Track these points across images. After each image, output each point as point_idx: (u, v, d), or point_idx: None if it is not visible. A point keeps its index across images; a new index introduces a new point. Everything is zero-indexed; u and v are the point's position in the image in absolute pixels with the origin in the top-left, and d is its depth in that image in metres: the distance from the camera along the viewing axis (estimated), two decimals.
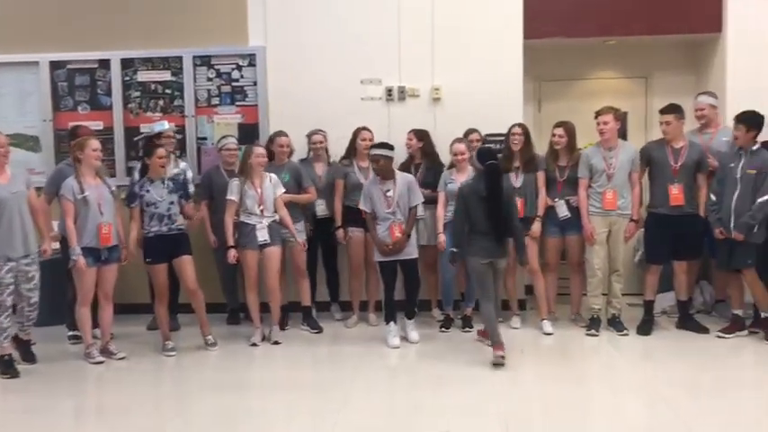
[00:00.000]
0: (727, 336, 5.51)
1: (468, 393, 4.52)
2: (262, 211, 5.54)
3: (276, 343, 5.64)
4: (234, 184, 5.60)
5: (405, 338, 5.60)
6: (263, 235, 5.53)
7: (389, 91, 6.47)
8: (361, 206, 5.61)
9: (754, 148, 5.36)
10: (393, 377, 5.09)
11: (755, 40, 6.18)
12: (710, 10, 6.34)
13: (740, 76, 6.20)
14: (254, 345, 5.62)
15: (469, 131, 6.09)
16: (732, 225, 5.34)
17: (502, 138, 6.04)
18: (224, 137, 6.24)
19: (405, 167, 6.01)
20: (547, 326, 5.82)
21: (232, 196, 5.56)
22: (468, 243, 5.16)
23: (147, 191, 5.38)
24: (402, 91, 6.47)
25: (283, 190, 5.67)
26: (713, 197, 5.50)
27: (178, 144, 6.45)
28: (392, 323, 5.57)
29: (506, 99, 6.31)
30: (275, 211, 5.61)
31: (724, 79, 6.30)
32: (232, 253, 5.53)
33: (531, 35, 6.36)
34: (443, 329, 5.94)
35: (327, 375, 5.06)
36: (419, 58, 6.42)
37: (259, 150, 5.61)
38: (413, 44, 6.41)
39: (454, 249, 5.23)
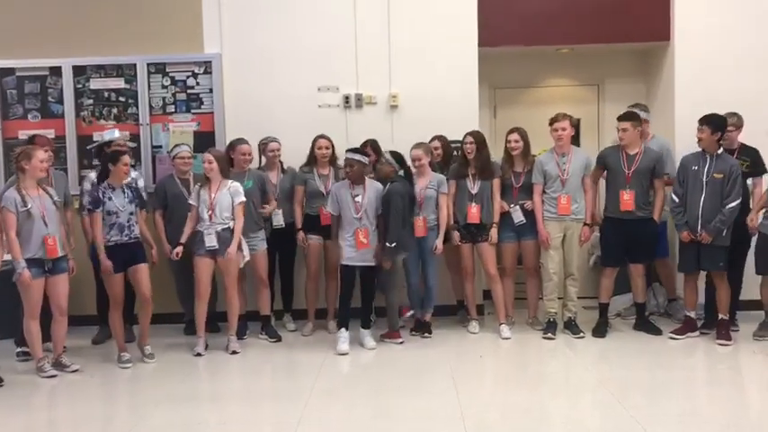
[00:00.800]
0: (679, 337, 5.64)
1: (428, 399, 4.54)
2: (210, 216, 5.50)
3: (234, 353, 5.59)
4: (194, 189, 5.65)
5: (361, 345, 5.62)
6: (210, 241, 5.48)
7: (347, 98, 6.48)
8: (328, 208, 5.68)
9: (719, 151, 5.49)
10: (353, 385, 5.08)
11: (702, 48, 6.36)
12: (659, 19, 6.51)
13: (687, 83, 6.38)
14: (199, 354, 5.55)
15: (433, 138, 6.14)
16: (699, 228, 5.46)
17: (459, 144, 6.10)
18: (177, 145, 6.16)
19: None
20: (505, 330, 5.89)
21: (190, 201, 5.61)
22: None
23: (110, 198, 5.29)
24: (359, 98, 6.49)
25: (243, 199, 5.60)
26: (675, 199, 5.59)
27: (132, 152, 6.35)
28: (343, 329, 5.60)
29: (463, 106, 6.38)
30: (229, 219, 5.55)
31: (672, 86, 6.47)
32: (177, 250, 5.54)
33: (485, 43, 6.44)
34: (414, 333, 5.97)
35: (287, 385, 5.03)
36: (376, 66, 6.45)
37: (205, 156, 5.57)
38: (370, 52, 6.43)
39: (392, 245, 5.54)
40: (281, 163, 6.20)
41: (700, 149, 5.53)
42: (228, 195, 5.55)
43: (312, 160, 6.08)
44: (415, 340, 5.88)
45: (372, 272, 5.69)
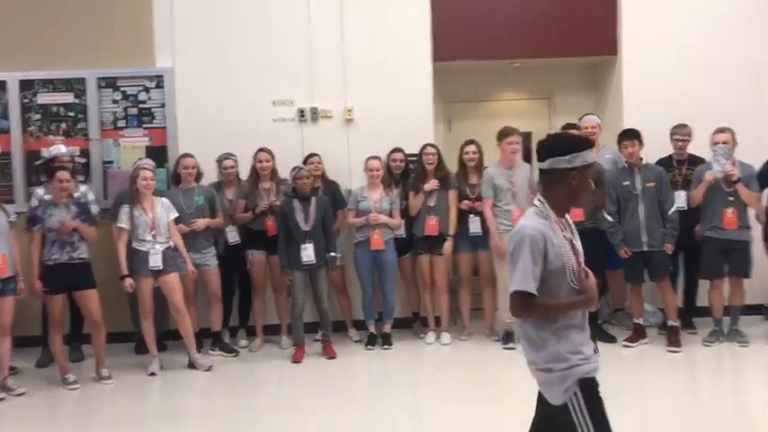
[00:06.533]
0: (632, 345, 5.74)
1: (385, 410, 4.53)
2: (154, 236, 5.38)
3: (209, 369, 5.51)
4: (123, 211, 5.41)
5: None
6: (155, 261, 5.35)
7: (302, 112, 6.46)
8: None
9: (644, 162, 5.67)
10: (312, 400, 5.02)
11: (648, 60, 6.51)
12: (607, 34, 6.65)
13: (635, 95, 6.52)
14: (153, 374, 5.44)
15: (395, 150, 6.18)
16: (645, 239, 5.59)
17: (415, 157, 6.15)
18: (139, 159, 6.06)
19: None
20: (430, 337, 6.07)
21: (122, 224, 5.39)
22: (288, 255, 5.63)
23: (50, 215, 5.15)
24: (315, 112, 6.47)
25: (176, 214, 5.54)
26: (610, 218, 5.71)
27: (83, 168, 6.24)
28: None
29: (418, 119, 6.43)
30: (169, 237, 5.46)
31: (620, 99, 6.62)
32: (127, 282, 5.36)
33: (439, 57, 6.51)
34: (369, 347, 5.96)
35: (245, 400, 4.96)
36: (331, 80, 6.45)
37: (145, 173, 5.43)
38: (324, 65, 6.44)
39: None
40: (239, 179, 6.15)
41: (625, 165, 5.71)
42: (164, 212, 5.46)
43: (255, 174, 6.04)
44: (373, 353, 5.87)
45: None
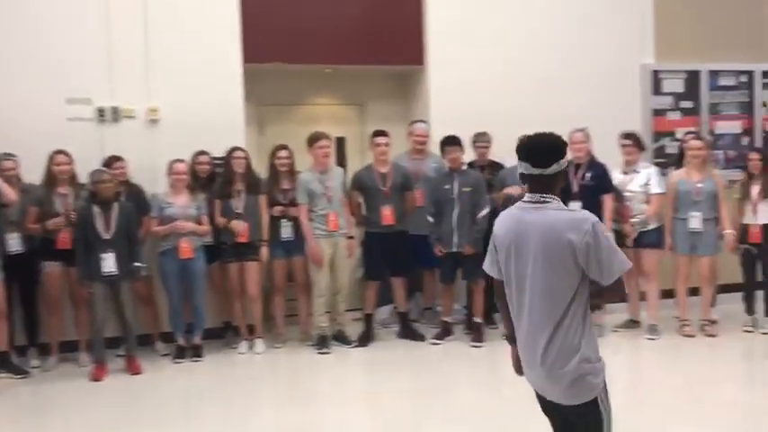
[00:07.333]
0: (439, 342, 5.99)
1: (196, 427, 4.35)
2: None
3: None
4: None
5: None
6: None
7: (101, 111, 6.02)
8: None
9: (464, 167, 5.93)
10: (116, 418, 4.66)
11: (453, 72, 6.83)
12: (413, 45, 6.89)
13: (442, 106, 6.79)
14: None
15: (200, 153, 5.97)
16: (456, 240, 5.83)
17: (222, 161, 5.96)
18: None
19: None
20: (243, 346, 5.92)
21: None
22: (87, 266, 5.23)
23: None
24: (115, 111, 6.06)
25: None
26: (430, 218, 5.94)
27: None
28: None
29: (228, 121, 6.24)
30: None
31: (428, 107, 6.89)
32: None
33: (250, 59, 6.38)
34: (177, 360, 5.68)
35: (38, 423, 4.52)
36: (133, 77, 6.06)
37: None
38: (125, 61, 6.03)
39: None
40: (21, 182, 5.58)
41: (447, 169, 5.96)
42: None
43: (51, 178, 5.55)
44: (182, 367, 5.60)
45: None
